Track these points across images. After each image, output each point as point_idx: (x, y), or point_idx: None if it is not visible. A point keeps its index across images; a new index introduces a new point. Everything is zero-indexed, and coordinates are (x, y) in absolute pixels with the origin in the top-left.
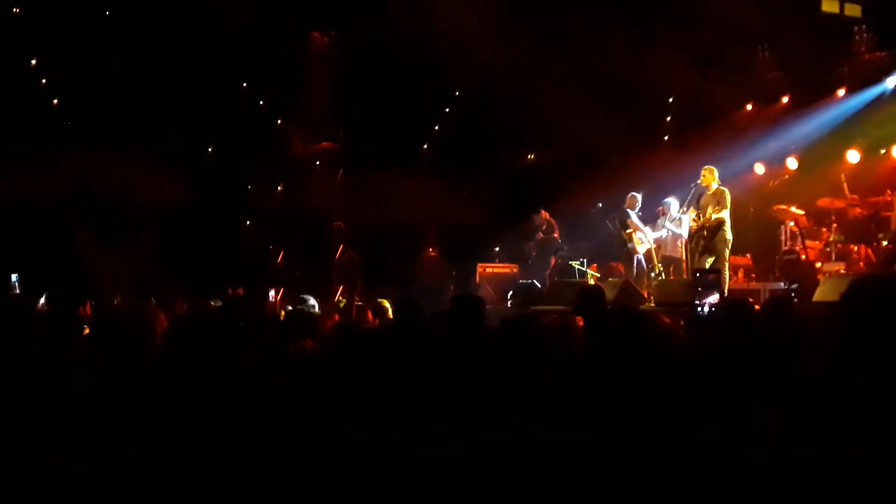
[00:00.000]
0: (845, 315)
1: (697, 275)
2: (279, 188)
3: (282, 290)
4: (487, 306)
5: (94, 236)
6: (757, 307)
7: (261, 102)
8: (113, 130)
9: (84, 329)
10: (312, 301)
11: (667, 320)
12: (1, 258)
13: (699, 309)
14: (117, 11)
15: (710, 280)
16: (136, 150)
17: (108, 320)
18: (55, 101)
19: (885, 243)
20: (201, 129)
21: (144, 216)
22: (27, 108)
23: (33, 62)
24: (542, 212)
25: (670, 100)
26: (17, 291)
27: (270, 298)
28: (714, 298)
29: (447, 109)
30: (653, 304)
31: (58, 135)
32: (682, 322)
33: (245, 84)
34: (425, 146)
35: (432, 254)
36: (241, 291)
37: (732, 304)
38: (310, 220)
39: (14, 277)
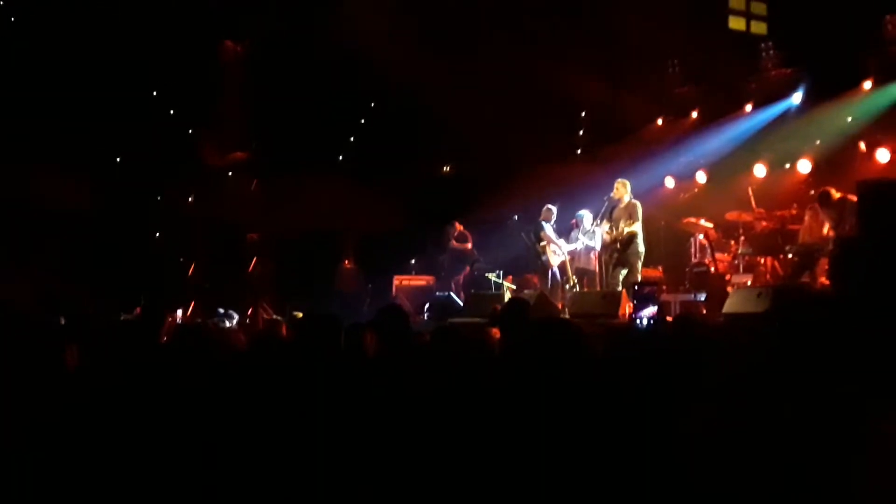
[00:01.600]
0: (774, 322)
1: (635, 287)
2: (191, 198)
3: (193, 303)
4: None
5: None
6: (669, 318)
7: (171, 111)
8: (19, 135)
9: None
10: (233, 314)
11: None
12: None
13: (637, 321)
14: (25, 13)
15: (648, 293)
16: (42, 155)
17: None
18: None
19: (790, 255)
20: (110, 138)
21: (50, 224)
22: None
23: None
24: (456, 223)
25: (583, 113)
26: None
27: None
28: (652, 311)
29: (363, 120)
30: (566, 316)
31: None
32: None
33: (155, 92)
34: (341, 157)
35: (348, 265)
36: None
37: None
38: (223, 231)
39: None
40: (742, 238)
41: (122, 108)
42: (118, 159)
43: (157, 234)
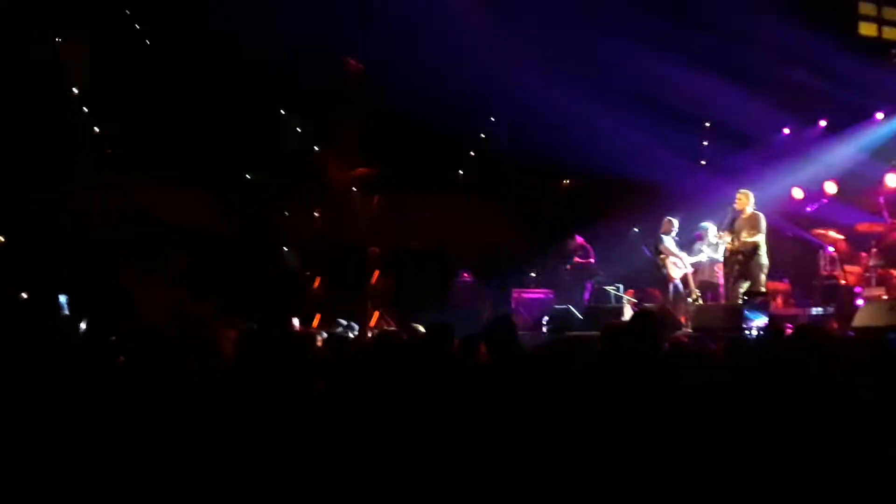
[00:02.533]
0: None
1: (745, 297)
2: (316, 214)
3: (318, 315)
4: (523, 332)
5: (135, 262)
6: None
7: (297, 129)
8: (154, 158)
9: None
10: (354, 325)
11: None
12: (50, 280)
13: (746, 332)
14: (157, 39)
15: (759, 303)
16: (176, 177)
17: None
18: (96, 129)
19: None
20: (239, 156)
21: (180, 242)
22: (69, 137)
23: (75, 91)
24: (577, 237)
25: (707, 124)
26: (66, 313)
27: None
28: (762, 322)
29: (482, 135)
30: (689, 330)
31: (100, 162)
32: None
33: (282, 111)
34: (461, 171)
35: (467, 279)
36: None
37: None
38: (346, 246)
39: (63, 299)
40: (874, 250)
41: (249, 127)
42: (247, 177)
43: (284, 249)
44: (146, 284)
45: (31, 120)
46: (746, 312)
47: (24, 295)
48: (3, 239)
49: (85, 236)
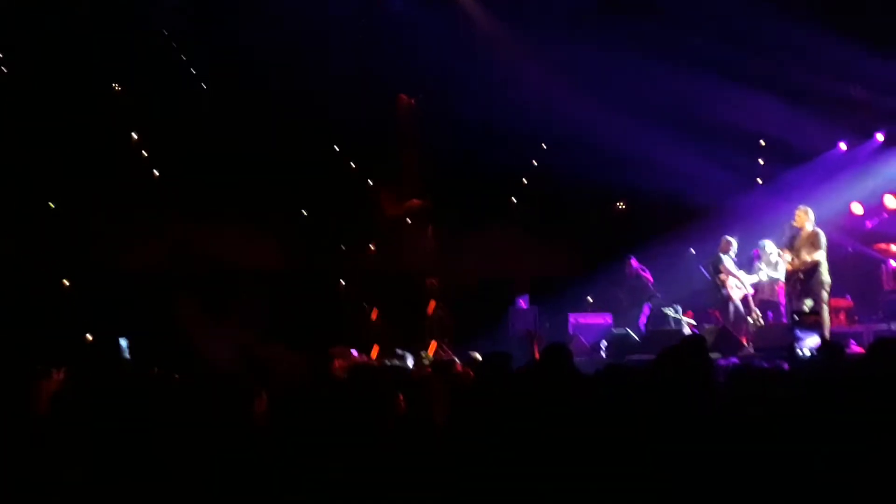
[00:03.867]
0: None
1: (796, 317)
2: (372, 247)
3: (377, 346)
4: (580, 357)
5: (195, 304)
6: (861, 349)
7: (352, 164)
8: (212, 200)
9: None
10: (410, 358)
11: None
12: (111, 324)
13: (799, 352)
14: (213, 83)
15: (810, 322)
16: (233, 217)
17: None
18: (156, 173)
19: None
20: (296, 195)
21: (242, 282)
22: (130, 180)
23: (134, 136)
24: (632, 259)
25: (762, 141)
26: (128, 357)
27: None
28: (815, 341)
29: (534, 161)
30: (752, 351)
31: (159, 204)
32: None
33: (336, 146)
34: (514, 199)
35: (524, 306)
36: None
37: (828, 348)
38: (402, 278)
39: (123, 343)
40: None
41: (304, 164)
42: (304, 213)
43: (343, 282)
44: (213, 326)
45: (96, 164)
46: (797, 332)
47: (90, 337)
48: (67, 282)
49: (148, 280)
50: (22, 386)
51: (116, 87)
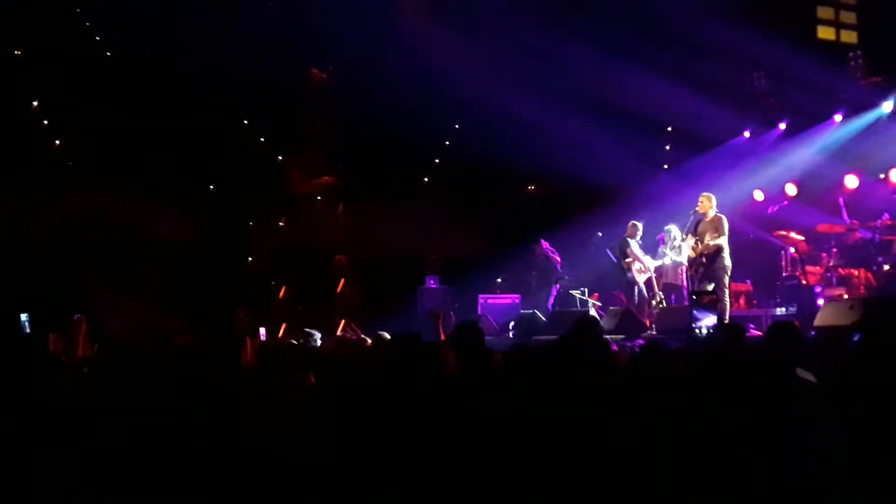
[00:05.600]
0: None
1: (694, 297)
2: (280, 224)
3: (284, 325)
4: (489, 337)
5: (98, 275)
6: (759, 333)
7: (262, 139)
8: (115, 170)
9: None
10: (317, 335)
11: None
12: (10, 298)
13: (697, 331)
14: (117, 51)
15: (707, 302)
16: (138, 188)
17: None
18: (57, 142)
19: (886, 267)
20: (203, 167)
21: (147, 255)
22: (29, 150)
23: (35, 104)
24: (542, 242)
25: (669, 128)
26: (28, 331)
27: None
28: (711, 321)
29: (447, 142)
30: (654, 332)
31: (60, 175)
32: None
33: (246, 121)
34: (426, 179)
35: (433, 285)
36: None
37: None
38: (311, 255)
39: (24, 317)
40: (834, 250)
41: (214, 137)
42: (211, 187)
43: (249, 259)
44: (115, 300)
45: None
46: (695, 312)
47: None
48: None
49: (49, 252)
50: None
51: (17, 53)
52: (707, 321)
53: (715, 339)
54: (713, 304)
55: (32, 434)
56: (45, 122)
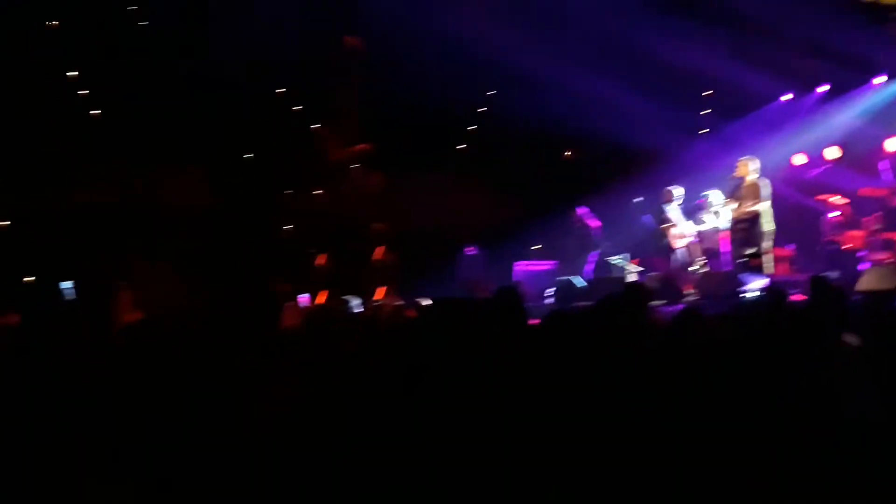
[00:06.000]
0: None
1: (741, 261)
2: (317, 192)
3: (322, 293)
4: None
5: (137, 244)
6: (802, 297)
7: (294, 108)
8: (152, 140)
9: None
10: (356, 302)
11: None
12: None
13: (744, 294)
14: (153, 21)
15: (755, 265)
16: (175, 159)
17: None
18: (94, 112)
19: None
20: (239, 137)
21: (185, 224)
22: (67, 120)
23: (74, 74)
24: (578, 209)
25: (708, 92)
26: (73, 298)
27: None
28: (760, 283)
29: (482, 109)
30: (695, 298)
31: (98, 146)
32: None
33: (280, 90)
34: (461, 145)
35: (471, 253)
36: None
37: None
38: (348, 223)
39: (67, 285)
40: (877, 214)
41: (248, 107)
42: (246, 156)
43: (286, 228)
44: (154, 269)
45: (30, 107)
46: (741, 276)
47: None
48: (6, 223)
49: (86, 223)
50: None
51: (51, 23)
52: (755, 284)
53: (763, 302)
54: (760, 267)
55: (82, 398)
56: (84, 91)
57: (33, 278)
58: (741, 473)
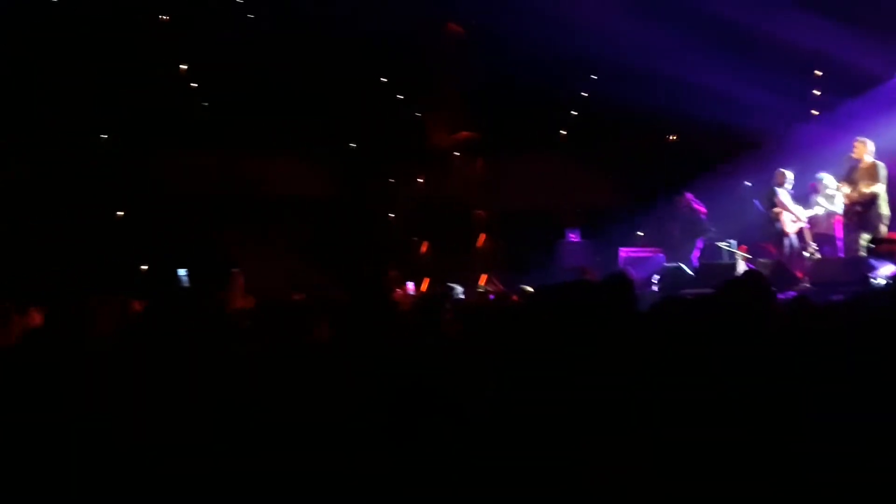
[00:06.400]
0: None
1: (871, 245)
2: (421, 180)
3: (427, 279)
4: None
5: (247, 231)
6: None
7: (399, 96)
8: (262, 130)
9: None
10: (459, 289)
11: None
12: (170, 252)
13: (872, 280)
14: (258, 13)
15: (886, 250)
16: (284, 148)
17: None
18: (205, 104)
19: None
20: (344, 126)
21: (293, 211)
22: (179, 112)
23: (184, 67)
24: (686, 194)
25: (818, 72)
26: (188, 284)
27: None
28: (889, 269)
29: (585, 94)
30: (808, 285)
31: (209, 136)
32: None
33: (383, 79)
34: (563, 131)
35: (574, 239)
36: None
37: None
38: (451, 210)
39: (183, 272)
40: None
41: (350, 95)
42: (352, 145)
43: (391, 215)
44: (264, 255)
45: (142, 96)
46: (871, 261)
47: (145, 267)
48: (122, 213)
49: (201, 209)
50: (83, 315)
51: (163, 18)
52: (885, 270)
53: (889, 291)
54: (891, 253)
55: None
56: (195, 84)
57: (148, 266)
58: (864, 473)
